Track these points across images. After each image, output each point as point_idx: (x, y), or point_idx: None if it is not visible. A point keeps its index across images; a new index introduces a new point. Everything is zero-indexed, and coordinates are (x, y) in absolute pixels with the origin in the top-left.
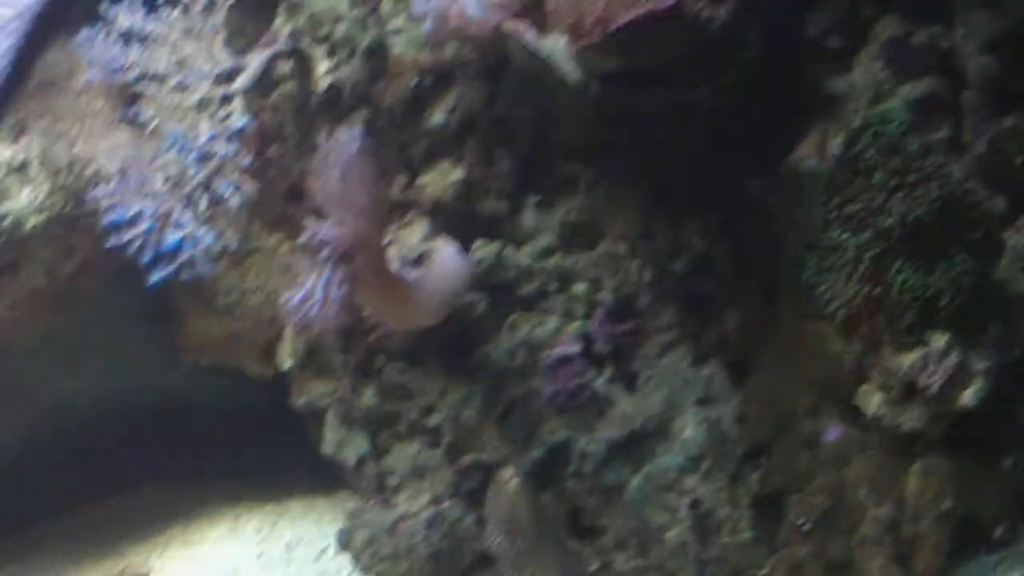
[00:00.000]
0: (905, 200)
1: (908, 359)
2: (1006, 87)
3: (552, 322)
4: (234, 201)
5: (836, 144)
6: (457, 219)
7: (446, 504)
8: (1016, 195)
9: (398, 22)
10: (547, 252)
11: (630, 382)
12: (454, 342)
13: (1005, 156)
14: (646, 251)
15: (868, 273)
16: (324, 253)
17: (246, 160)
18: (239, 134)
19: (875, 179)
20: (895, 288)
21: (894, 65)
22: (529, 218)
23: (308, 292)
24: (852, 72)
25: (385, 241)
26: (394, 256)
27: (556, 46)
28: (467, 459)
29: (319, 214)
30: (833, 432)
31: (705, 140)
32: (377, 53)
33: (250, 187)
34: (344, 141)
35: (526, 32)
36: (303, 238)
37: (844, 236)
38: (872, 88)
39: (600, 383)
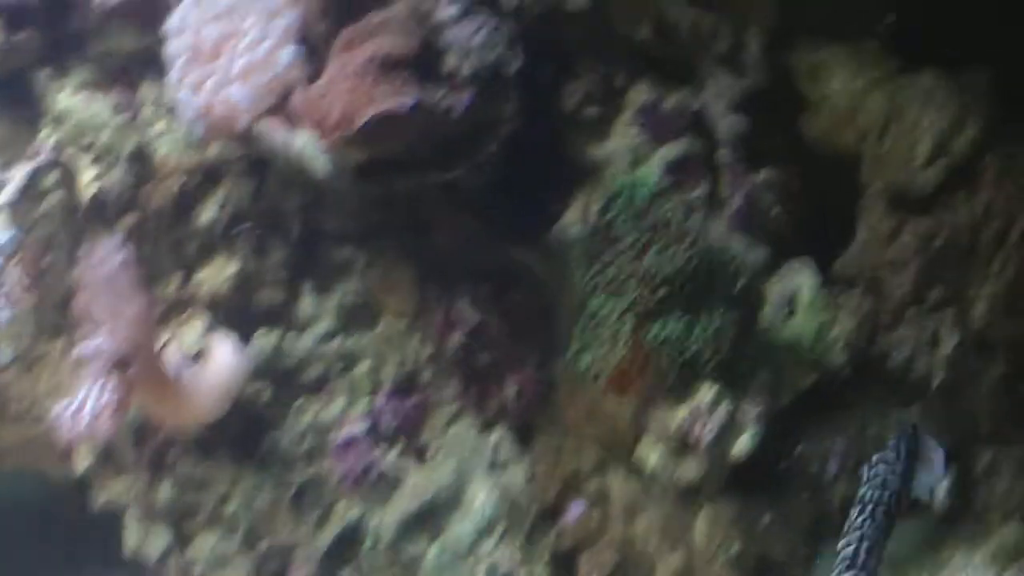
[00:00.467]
0: (657, 261)
1: (679, 414)
2: (756, 143)
3: (338, 404)
4: (3, 315)
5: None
6: (236, 312)
7: None
8: (775, 245)
9: (160, 126)
10: (328, 336)
11: (420, 455)
12: (243, 431)
13: (761, 208)
14: (423, 327)
15: (629, 335)
16: (98, 363)
17: (15, 273)
18: (6, 247)
19: (627, 243)
20: (656, 347)
21: (649, 129)
22: (307, 304)
23: (80, 402)
24: (610, 139)
25: (160, 342)
26: (174, 354)
27: (306, 141)
28: (264, 544)
29: (90, 325)
30: (576, 508)
31: (471, 216)
32: (141, 158)
33: (22, 299)
34: (105, 252)
35: (276, 129)
36: (76, 350)
37: (604, 301)
38: (630, 152)
39: (390, 459)
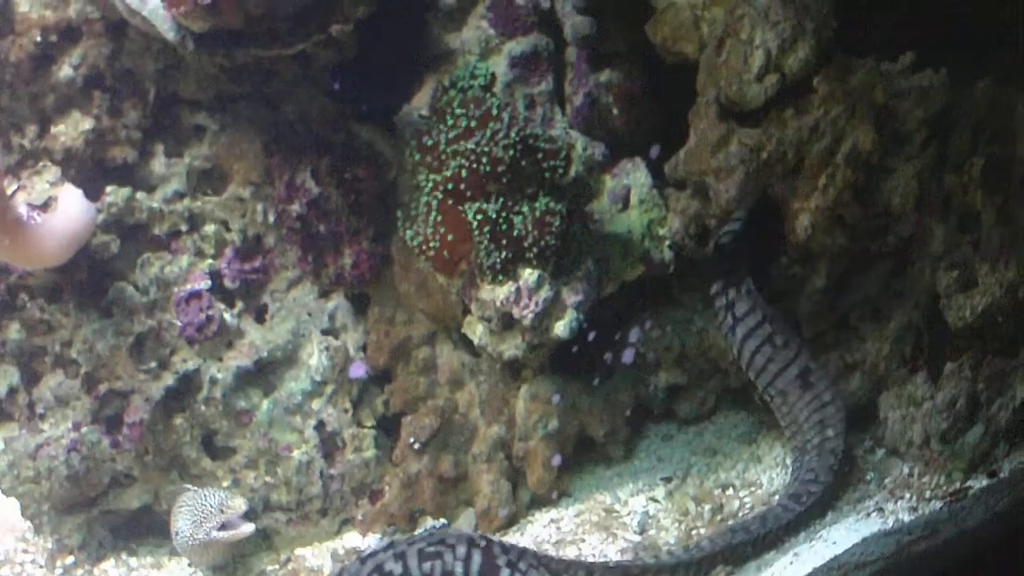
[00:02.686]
0: (481, 142)
1: (502, 292)
2: (602, 45)
3: (183, 261)
4: None
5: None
6: (88, 167)
7: (85, 430)
8: (613, 143)
9: None
10: (176, 196)
11: (259, 315)
12: (90, 281)
13: (601, 107)
14: (268, 195)
15: (448, 212)
16: None
17: None
18: None
19: (455, 124)
20: (475, 227)
21: (499, 23)
22: (158, 165)
23: None
24: (464, 30)
25: (10, 189)
26: (21, 202)
27: (154, 6)
28: (103, 388)
29: None
30: (358, 368)
31: (322, 92)
32: (2, 13)
33: None
34: None
35: None
36: None
37: (426, 177)
38: (481, 44)
39: (229, 316)
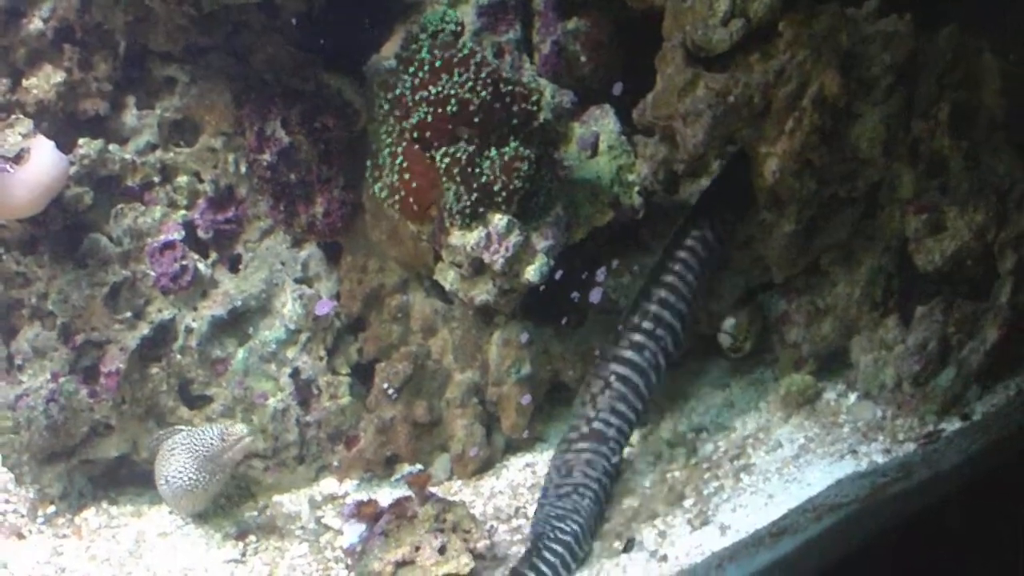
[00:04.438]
0: (448, 87)
1: (472, 238)
2: None
3: (157, 211)
4: None
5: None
6: (60, 119)
7: (63, 380)
8: (581, 91)
9: None
10: (149, 148)
11: (233, 264)
12: (64, 232)
13: (570, 55)
14: (239, 145)
15: (416, 158)
16: None
17: None
18: None
19: (421, 70)
20: (443, 172)
21: None
22: (130, 117)
23: None
24: None
25: None
26: None
27: None
28: (80, 338)
29: None
30: (323, 306)
31: (291, 42)
32: None
33: None
34: None
35: None
36: None
37: (393, 124)
38: None
39: (203, 266)
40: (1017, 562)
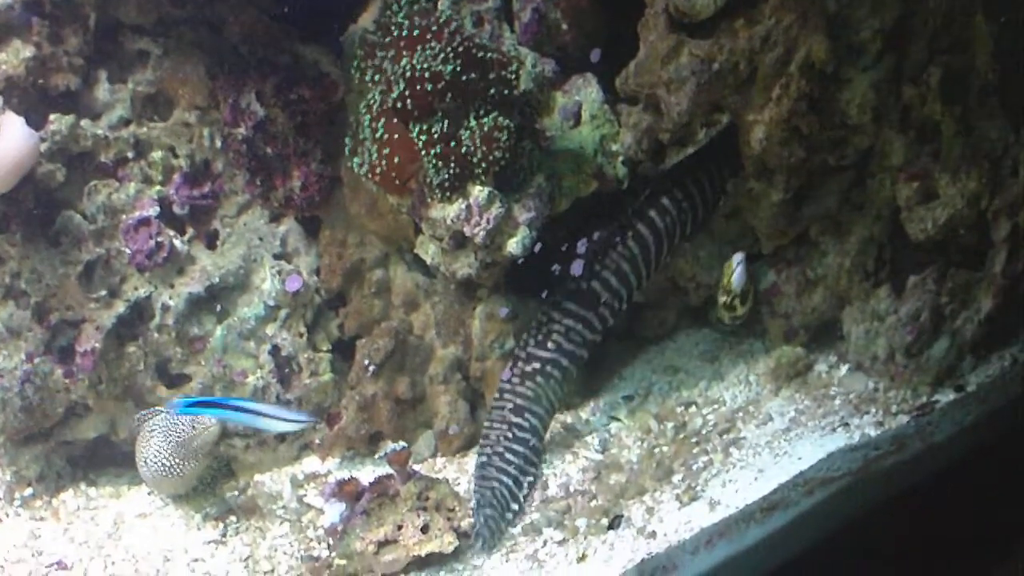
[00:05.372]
0: (426, 57)
1: (452, 210)
2: None
3: (131, 187)
4: None
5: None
6: (31, 95)
7: (38, 360)
8: (563, 60)
9: None
10: (123, 122)
11: (210, 240)
12: (37, 210)
13: (551, 23)
14: (214, 119)
15: (394, 130)
16: None
17: None
18: None
19: (399, 40)
20: (422, 144)
21: None
22: (102, 91)
23: None
24: None
25: None
26: None
27: None
28: (55, 317)
29: None
30: (294, 282)
31: (265, 13)
32: None
33: None
34: None
35: None
36: None
37: (372, 96)
38: None
39: (180, 242)
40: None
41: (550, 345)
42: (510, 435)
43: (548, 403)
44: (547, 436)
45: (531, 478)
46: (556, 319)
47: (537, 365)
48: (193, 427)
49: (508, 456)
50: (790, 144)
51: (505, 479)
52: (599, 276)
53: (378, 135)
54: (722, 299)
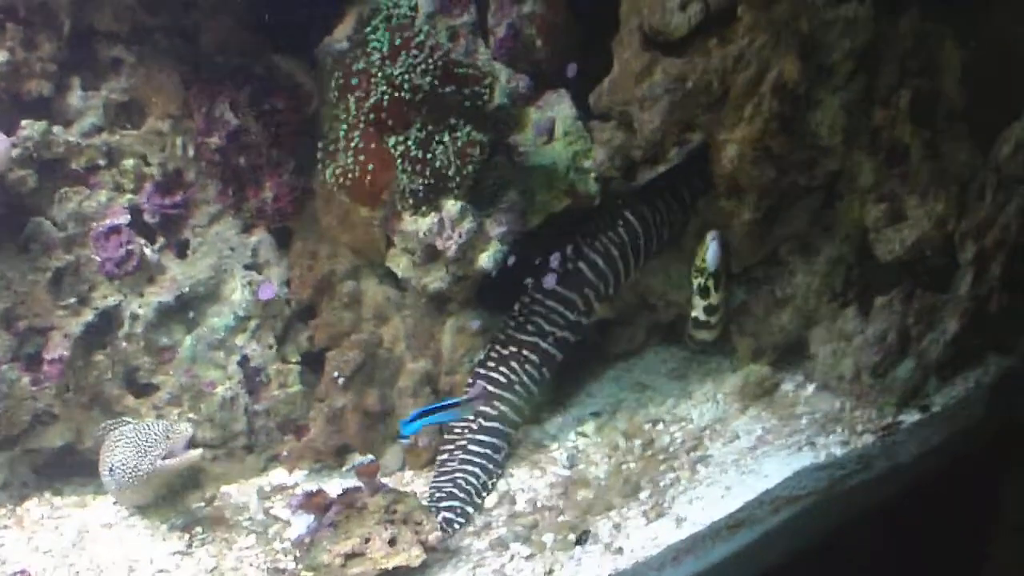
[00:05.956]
0: (401, 71)
1: (424, 224)
2: None
3: (103, 195)
4: None
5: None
6: (3, 101)
7: (5, 367)
8: (537, 75)
9: None
10: (95, 130)
11: (181, 250)
12: (6, 216)
13: (525, 39)
14: (187, 128)
15: (368, 142)
16: None
17: None
18: None
19: (376, 53)
20: (396, 157)
21: None
22: (75, 98)
23: None
24: None
25: None
26: None
27: None
28: (22, 324)
29: None
30: (267, 290)
31: (240, 23)
32: None
33: None
34: None
35: None
36: None
37: (346, 107)
38: None
39: (150, 251)
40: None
41: (530, 327)
42: (475, 425)
43: (523, 390)
44: (522, 451)
45: (497, 472)
46: (538, 300)
47: (514, 348)
48: (167, 436)
49: (472, 447)
50: (761, 164)
51: (469, 471)
52: (586, 257)
53: (353, 144)
54: (696, 281)
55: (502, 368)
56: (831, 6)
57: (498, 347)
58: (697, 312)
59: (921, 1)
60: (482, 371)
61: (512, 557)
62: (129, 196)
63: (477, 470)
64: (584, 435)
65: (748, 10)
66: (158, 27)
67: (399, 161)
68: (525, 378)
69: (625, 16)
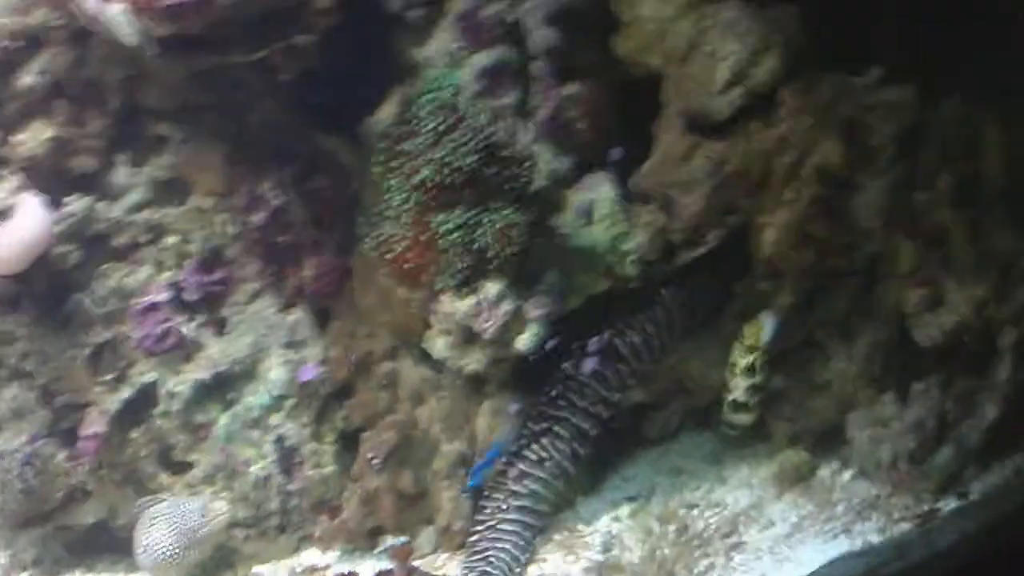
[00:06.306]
0: (449, 151)
1: (463, 305)
2: (568, 58)
3: (143, 272)
4: None
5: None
6: (50, 175)
7: (41, 443)
8: (579, 156)
9: None
10: (138, 206)
11: (219, 327)
12: (48, 291)
13: (568, 121)
14: (231, 205)
15: (413, 222)
16: None
17: None
18: None
19: (424, 133)
20: (440, 238)
21: (466, 35)
22: (120, 175)
23: None
24: (430, 42)
25: None
26: None
27: (116, 12)
28: (60, 400)
29: None
30: (307, 371)
31: (285, 102)
32: None
33: None
34: None
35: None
36: None
37: (394, 184)
38: (447, 56)
39: (189, 328)
40: None
41: (561, 403)
42: (505, 505)
43: (555, 467)
44: (555, 535)
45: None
46: (572, 377)
47: (545, 425)
48: (202, 515)
49: (502, 527)
50: (801, 248)
51: (500, 547)
52: (622, 334)
53: (397, 224)
54: (743, 360)
55: (533, 445)
56: (873, 89)
57: (529, 423)
58: (737, 394)
59: (964, 84)
60: (512, 449)
61: None
62: (169, 273)
63: (508, 546)
64: (618, 519)
65: (790, 94)
66: (205, 105)
67: (441, 242)
68: (556, 455)
69: (667, 99)
